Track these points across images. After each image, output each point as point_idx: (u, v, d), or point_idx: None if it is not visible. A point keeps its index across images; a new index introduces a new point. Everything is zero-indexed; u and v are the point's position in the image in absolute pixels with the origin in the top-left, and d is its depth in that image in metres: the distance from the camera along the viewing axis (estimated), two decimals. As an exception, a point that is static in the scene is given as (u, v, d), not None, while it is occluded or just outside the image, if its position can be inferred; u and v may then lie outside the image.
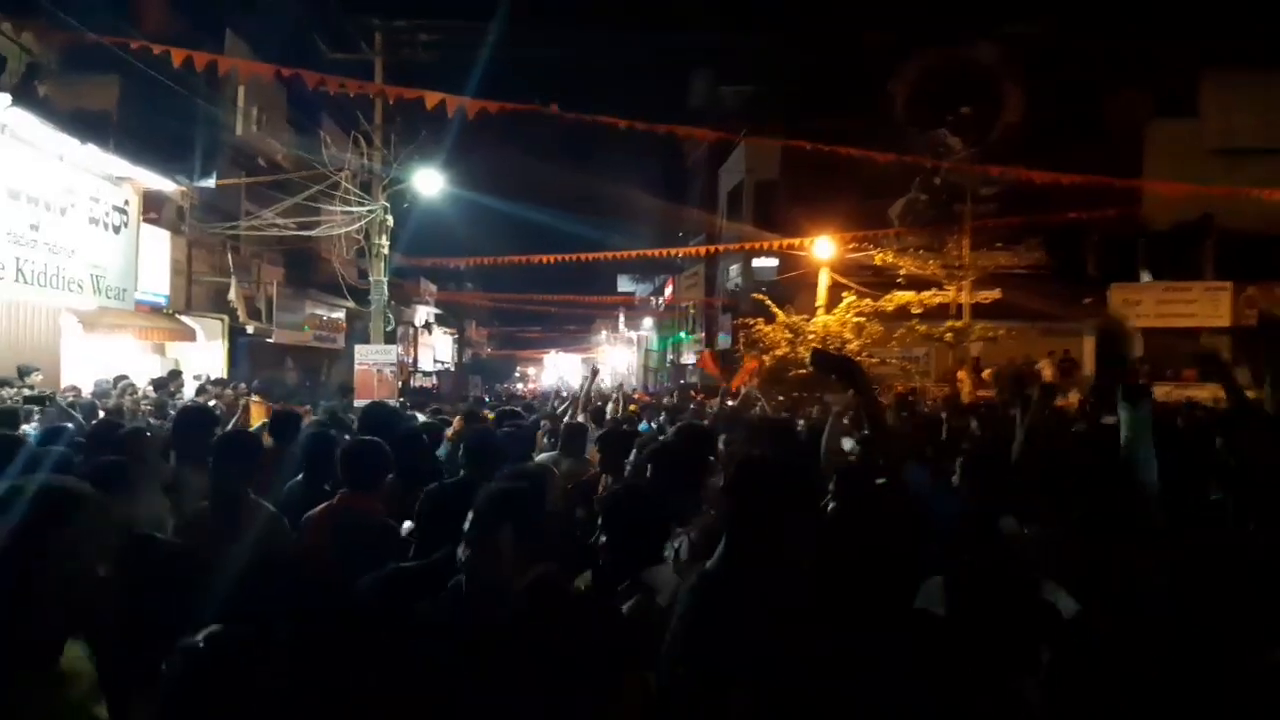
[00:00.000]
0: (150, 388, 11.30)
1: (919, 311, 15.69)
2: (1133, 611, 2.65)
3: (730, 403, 10.09)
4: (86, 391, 10.18)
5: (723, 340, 27.31)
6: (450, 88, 11.38)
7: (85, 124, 12.98)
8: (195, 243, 18.42)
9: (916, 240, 18.79)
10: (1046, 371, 19.95)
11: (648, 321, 45.96)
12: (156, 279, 16.27)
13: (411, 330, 36.45)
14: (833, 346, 12.72)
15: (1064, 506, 3.31)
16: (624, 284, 50.97)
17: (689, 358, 33.42)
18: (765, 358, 14.21)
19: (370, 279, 17.95)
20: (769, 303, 14.97)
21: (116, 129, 14.40)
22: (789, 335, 14.12)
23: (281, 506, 3.95)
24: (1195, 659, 2.50)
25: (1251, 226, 19.49)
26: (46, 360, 11.44)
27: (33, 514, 1.87)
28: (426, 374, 30.23)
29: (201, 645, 1.78)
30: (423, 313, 39.34)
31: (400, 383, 19.34)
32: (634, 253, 27.40)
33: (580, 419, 7.80)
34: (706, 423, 6.73)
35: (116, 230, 13.96)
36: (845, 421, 5.15)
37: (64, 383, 11.14)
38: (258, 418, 8.20)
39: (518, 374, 62.61)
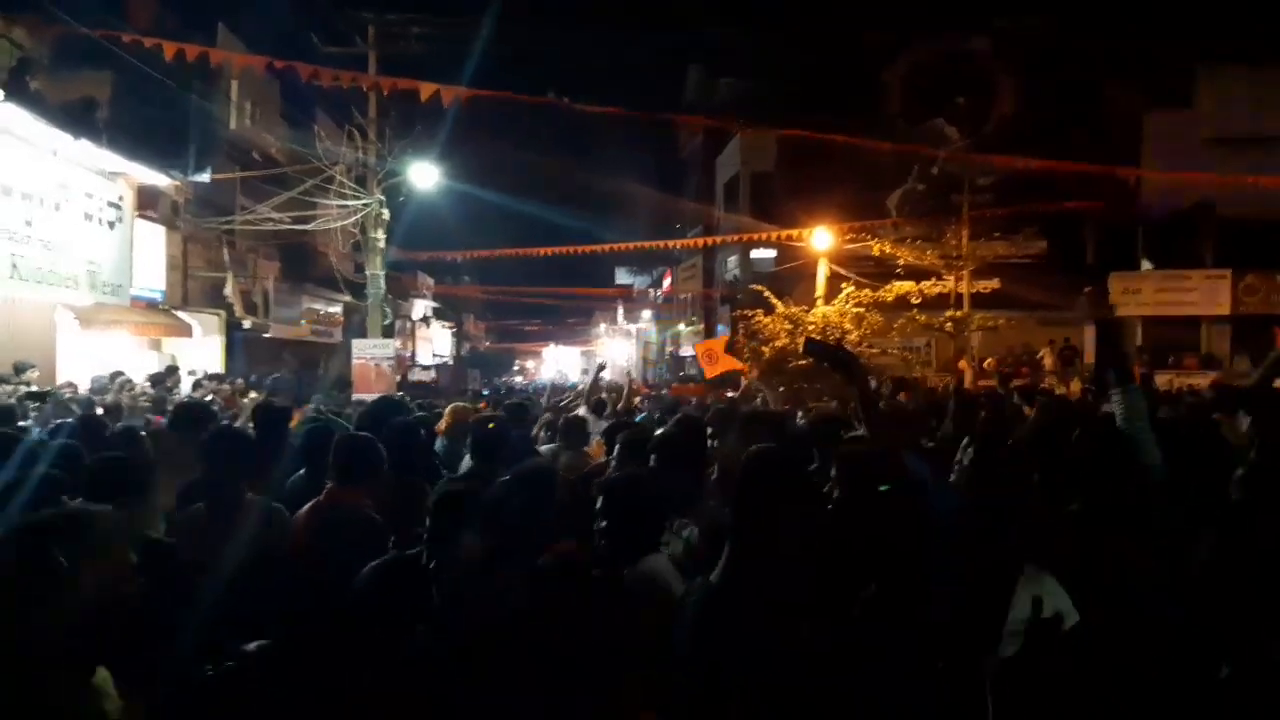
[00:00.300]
0: (148, 384, 11.25)
1: (918, 301, 15.64)
2: (1126, 605, 2.61)
3: (729, 395, 10.04)
4: (82, 388, 10.13)
5: (721, 331, 27.25)
6: (444, 81, 11.32)
7: (77, 119, 12.89)
8: (190, 238, 18.34)
9: (914, 231, 18.74)
10: (1048, 360, 19.99)
11: (646, 314, 45.89)
12: (152, 274, 16.20)
13: (409, 324, 36.40)
14: (833, 337, 12.65)
15: (1060, 498, 3.26)
16: (622, 276, 50.88)
17: (687, 349, 33.36)
18: (765, 349, 14.10)
19: (367, 273, 17.92)
20: (768, 294, 14.89)
21: (110, 124, 14.30)
22: (789, 326, 14.03)
23: (284, 503, 3.89)
24: (1195, 659, 2.46)
25: (1250, 213, 19.45)
26: (42, 356, 11.38)
27: (50, 549, 1.82)
28: (425, 368, 30.23)
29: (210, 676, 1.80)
30: (420, 306, 39.28)
31: (398, 377, 19.31)
32: (631, 245, 27.33)
33: (581, 412, 7.77)
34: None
35: (111, 226, 13.89)
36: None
37: (59, 379, 11.09)
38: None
39: (516, 367, 62.66)
